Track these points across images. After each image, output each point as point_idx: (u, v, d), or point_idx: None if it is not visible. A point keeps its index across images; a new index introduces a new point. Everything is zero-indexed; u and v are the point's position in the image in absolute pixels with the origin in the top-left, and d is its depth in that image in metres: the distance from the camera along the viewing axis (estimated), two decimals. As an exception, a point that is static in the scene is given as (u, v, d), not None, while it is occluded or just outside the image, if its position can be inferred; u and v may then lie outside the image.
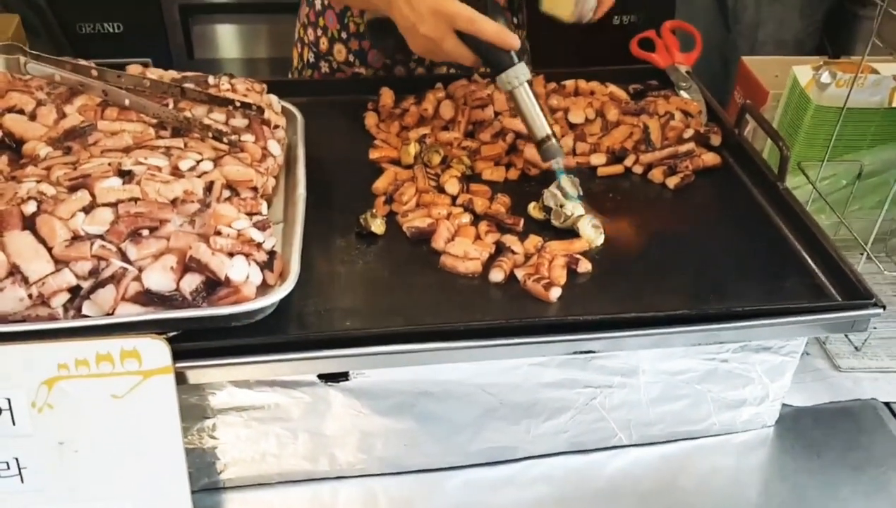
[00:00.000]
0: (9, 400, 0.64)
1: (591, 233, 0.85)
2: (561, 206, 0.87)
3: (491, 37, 0.88)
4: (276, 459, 0.78)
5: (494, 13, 0.89)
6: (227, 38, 2.38)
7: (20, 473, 0.67)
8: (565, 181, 0.90)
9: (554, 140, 0.90)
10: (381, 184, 0.93)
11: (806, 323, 0.76)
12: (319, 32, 1.25)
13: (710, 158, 0.98)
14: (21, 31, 1.44)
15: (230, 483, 0.79)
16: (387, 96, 1.08)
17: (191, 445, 0.75)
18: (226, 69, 2.50)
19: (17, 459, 0.67)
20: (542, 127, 0.91)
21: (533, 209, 0.89)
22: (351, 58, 1.24)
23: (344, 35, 1.22)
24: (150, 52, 2.31)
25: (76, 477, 0.68)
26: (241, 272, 0.67)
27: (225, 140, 0.79)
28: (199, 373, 0.69)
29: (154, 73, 0.89)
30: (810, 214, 0.88)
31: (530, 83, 0.91)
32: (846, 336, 0.99)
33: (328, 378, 0.74)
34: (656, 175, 0.97)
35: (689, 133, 1.00)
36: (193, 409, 0.74)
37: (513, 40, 0.88)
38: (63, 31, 2.27)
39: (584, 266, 0.81)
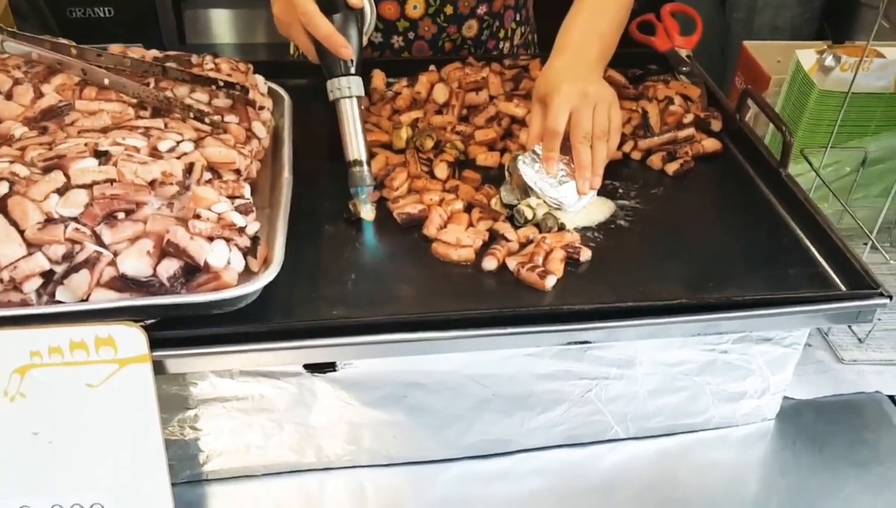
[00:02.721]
0: (-21, 389, 0.61)
1: (568, 220, 0.83)
2: (516, 206, 0.83)
3: (321, 38, 0.83)
4: (261, 451, 0.76)
5: (345, 16, 0.84)
6: (220, 23, 2.35)
7: (-7, 465, 0.65)
8: (365, 209, 0.82)
9: (365, 168, 0.83)
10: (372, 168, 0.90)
11: (809, 314, 0.73)
12: None
13: (710, 144, 0.95)
14: (9, 14, 1.41)
15: (214, 475, 0.76)
16: (378, 78, 1.05)
17: (172, 436, 0.73)
18: (220, 53, 2.48)
19: (-11, 450, 0.64)
20: (355, 149, 0.83)
21: (495, 204, 0.85)
22: None
23: None
24: (141, 37, 2.27)
25: (51, 469, 0.66)
26: (222, 257, 0.64)
27: (207, 120, 0.76)
28: (179, 363, 0.66)
29: (136, 53, 0.86)
30: (814, 202, 0.85)
31: (360, 100, 0.84)
32: (849, 327, 0.97)
33: (314, 368, 0.72)
34: (655, 161, 0.94)
35: (688, 118, 0.97)
36: (174, 399, 0.71)
37: (341, 48, 0.82)
38: (53, 15, 2.24)
39: (585, 254, 0.78)
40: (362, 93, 0.85)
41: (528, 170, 0.85)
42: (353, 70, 0.84)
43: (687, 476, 0.82)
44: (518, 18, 1.22)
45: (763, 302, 0.72)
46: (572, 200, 0.84)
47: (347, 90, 0.84)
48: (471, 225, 0.83)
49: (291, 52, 1.30)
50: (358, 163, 0.83)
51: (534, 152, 0.86)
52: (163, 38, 2.30)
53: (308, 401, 0.74)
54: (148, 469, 0.67)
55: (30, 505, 0.67)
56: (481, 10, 1.15)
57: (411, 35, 1.15)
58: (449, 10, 1.13)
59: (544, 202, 0.83)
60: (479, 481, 0.80)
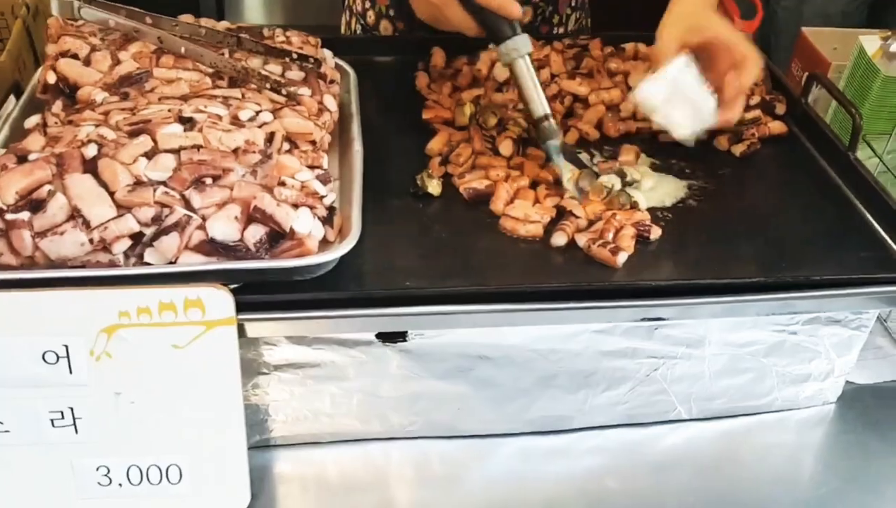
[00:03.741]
0: (66, 347, 0.62)
1: (642, 198, 0.83)
2: (597, 179, 0.84)
3: (491, 4, 0.84)
4: (329, 418, 0.77)
5: None
6: (259, 4, 2.36)
7: (74, 423, 0.66)
8: (559, 161, 0.85)
9: (552, 120, 0.85)
10: (435, 144, 0.90)
11: (883, 295, 0.73)
12: (368, 4, 1.22)
13: (776, 126, 0.95)
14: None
15: (282, 440, 0.78)
16: (438, 56, 1.05)
17: (245, 401, 0.73)
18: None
19: (71, 409, 0.66)
20: (540, 105, 0.86)
21: (567, 183, 0.85)
22: (397, 35, 1.21)
23: (392, 12, 1.19)
24: (179, 12, 2.28)
25: (131, 429, 0.67)
26: (306, 224, 0.65)
27: (283, 91, 0.77)
28: (259, 327, 0.67)
29: (208, 23, 0.86)
30: (882, 185, 0.84)
31: (531, 57, 0.86)
32: (909, 314, 0.96)
33: (386, 337, 0.72)
34: (722, 142, 0.93)
35: (754, 100, 0.96)
36: (249, 364, 0.72)
37: (514, 9, 0.84)
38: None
39: (655, 232, 0.78)
40: (531, 49, 0.87)
41: (686, 76, 0.84)
42: (518, 30, 0.86)
43: (747, 458, 0.82)
44: (573, 4, 1.22)
45: (837, 282, 0.72)
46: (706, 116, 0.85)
47: (520, 50, 0.85)
48: (537, 201, 0.83)
49: (342, 31, 1.30)
50: (546, 117, 0.85)
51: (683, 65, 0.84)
52: (201, 16, 2.31)
53: (377, 371, 0.75)
54: (226, 433, 0.68)
55: (108, 465, 0.68)
56: None
57: None
58: None
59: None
60: (539, 456, 0.80)
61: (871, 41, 1.06)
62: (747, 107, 0.95)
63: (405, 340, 0.73)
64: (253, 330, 0.67)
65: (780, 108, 0.98)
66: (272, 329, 0.68)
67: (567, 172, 0.85)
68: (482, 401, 0.78)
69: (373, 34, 1.22)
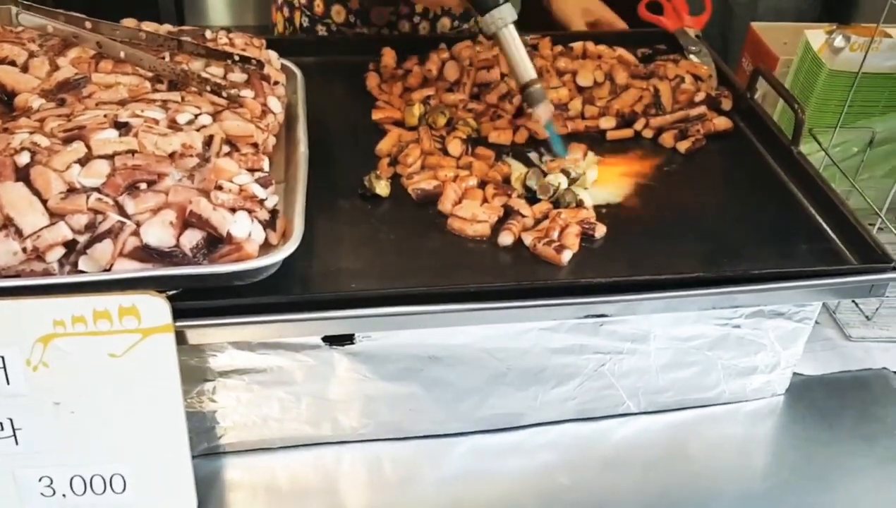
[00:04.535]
0: (2, 357, 0.61)
1: (587, 196, 0.83)
2: (544, 178, 0.84)
3: None
4: (278, 423, 0.76)
5: None
6: (219, 4, 2.33)
7: (14, 434, 0.65)
8: (550, 130, 0.88)
9: (539, 85, 0.88)
10: (384, 145, 0.90)
11: (824, 288, 0.74)
12: None
13: (721, 123, 0.96)
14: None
15: (231, 447, 0.77)
16: (388, 56, 1.05)
17: (190, 409, 0.73)
18: (219, 38, 2.45)
19: (10, 420, 0.65)
20: (526, 70, 0.88)
21: (515, 182, 0.86)
22: (351, 18, 1.20)
23: None
24: (139, 17, 2.25)
25: (72, 439, 0.66)
26: (244, 228, 0.64)
27: (224, 94, 0.76)
28: (200, 333, 0.66)
29: (149, 27, 0.86)
30: (825, 179, 0.86)
31: (516, 25, 0.88)
32: (856, 305, 0.98)
33: (333, 340, 0.72)
34: (667, 139, 0.94)
35: (700, 96, 0.97)
36: (193, 371, 0.71)
37: None
38: (49, -7, 2.21)
39: (600, 230, 0.79)
40: (515, 17, 0.87)
41: None
42: (501, 0, 0.87)
43: (697, 450, 0.83)
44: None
45: (779, 275, 0.73)
46: None
47: (505, 19, 0.86)
48: (485, 201, 0.83)
49: (280, 29, 1.28)
50: (533, 81, 0.87)
51: None
52: (161, 19, 2.28)
53: (326, 374, 0.74)
54: (169, 441, 0.67)
55: (50, 476, 0.67)
56: None
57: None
58: None
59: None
60: (493, 454, 0.81)
61: (816, 35, 1.07)
62: (692, 104, 0.97)
63: (353, 342, 0.73)
64: (194, 336, 0.66)
65: (726, 104, 0.99)
66: (214, 335, 0.67)
67: (554, 136, 0.88)
68: (433, 402, 0.78)
69: (324, 22, 1.21)
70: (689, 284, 0.72)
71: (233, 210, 0.64)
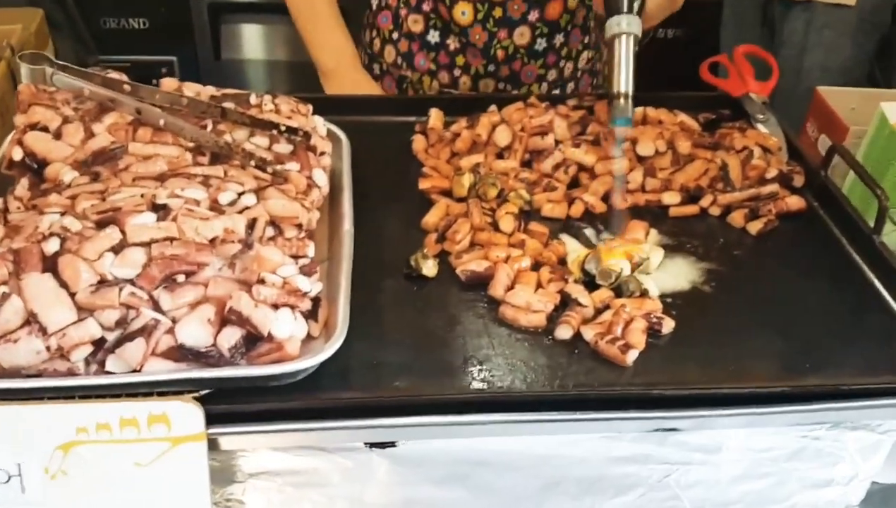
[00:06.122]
0: (19, 465, 0.56)
1: (652, 284, 0.77)
2: (603, 266, 0.78)
3: None
4: (311, 527, 0.70)
5: None
6: (257, 39, 2.31)
7: (28, 543, 0.60)
8: (618, 148, 0.88)
9: (630, 102, 0.87)
10: (431, 218, 0.85)
11: (916, 404, 0.67)
12: (375, 33, 1.21)
13: (794, 202, 0.89)
14: (45, 25, 1.37)
15: (260, 551, 0.71)
16: (436, 118, 1.00)
17: (217, 511, 0.67)
18: (255, 71, 2.42)
19: (25, 528, 0.59)
20: (623, 82, 0.87)
21: (572, 264, 0.80)
22: (399, 60, 1.17)
23: (395, 35, 1.17)
24: (176, 50, 2.23)
25: (91, 550, 0.60)
26: (287, 327, 0.59)
27: (269, 169, 0.71)
28: (233, 440, 0.61)
29: (191, 89, 0.81)
30: (911, 273, 0.79)
31: (637, 42, 0.87)
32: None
33: (374, 444, 0.66)
34: (736, 218, 0.88)
35: (772, 173, 0.91)
36: (221, 472, 0.65)
37: None
38: (87, 26, 2.20)
39: (668, 325, 0.72)
40: (639, 33, 0.87)
41: None
42: (635, 9, 0.87)
43: (765, 565, 0.75)
44: (586, 41, 1.18)
45: (867, 391, 0.66)
46: None
47: (626, 26, 0.87)
48: (540, 286, 0.77)
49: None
50: (624, 96, 0.87)
51: None
52: (197, 52, 2.26)
53: (363, 477, 0.68)
54: (195, 552, 0.61)
55: (65, 585, 0.62)
56: (532, 16, 1.11)
57: (464, 40, 1.13)
58: (498, 12, 1.10)
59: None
60: (544, 564, 0.74)
61: (892, 108, 1.00)
62: (764, 180, 0.90)
63: (394, 446, 0.67)
64: (227, 443, 0.61)
65: (799, 181, 0.92)
66: (248, 442, 0.62)
67: (620, 158, 0.87)
68: None
69: (378, 61, 1.21)
70: (770, 398, 0.65)
71: (275, 306, 0.59)
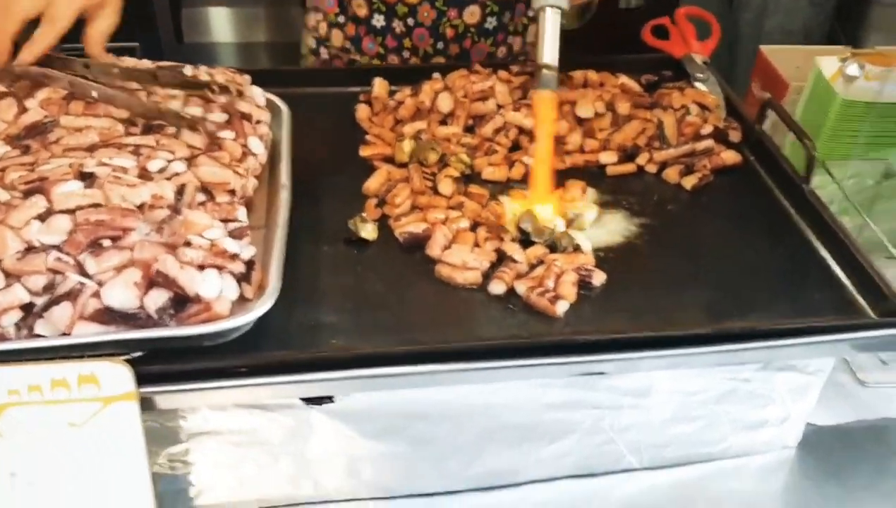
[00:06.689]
0: (-46, 428, 0.58)
1: (585, 239, 0.79)
2: (537, 223, 0.79)
3: None
4: (255, 484, 0.72)
5: None
6: (220, 22, 2.30)
7: (-30, 506, 0.61)
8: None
9: (552, 72, 0.87)
10: (372, 184, 0.86)
11: (837, 343, 0.69)
12: (320, 17, 1.20)
13: (729, 157, 0.91)
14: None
15: (205, 510, 0.73)
16: (380, 87, 1.01)
17: (161, 471, 0.69)
18: (218, 54, 2.41)
19: (-34, 491, 0.61)
20: (549, 54, 0.87)
21: (509, 223, 0.81)
22: (347, 44, 1.17)
23: (341, 19, 1.17)
24: (137, 35, 2.21)
25: (32, 511, 0.62)
26: (214, 287, 0.60)
27: (200, 128, 0.72)
28: (169, 398, 0.62)
29: (128, 63, 0.82)
30: (839, 220, 0.81)
31: (564, 15, 0.88)
32: (872, 349, 0.92)
33: (311, 400, 0.68)
34: (671, 174, 0.90)
35: (707, 129, 0.92)
36: (163, 432, 0.67)
37: None
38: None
39: (599, 277, 0.74)
40: (565, 6, 0.87)
41: None
42: None
43: (703, 506, 0.78)
44: (532, 15, 1.19)
45: (789, 331, 0.68)
46: None
47: (552, 1, 0.87)
48: (477, 245, 0.79)
49: (304, 51, 1.26)
50: (549, 67, 0.87)
51: None
52: (161, 38, 2.25)
53: (304, 433, 0.70)
54: (135, 510, 0.63)
55: (11, 547, 0.64)
56: None
57: (411, 21, 1.13)
58: None
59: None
60: (487, 512, 0.76)
61: (828, 63, 1.02)
62: (699, 137, 0.92)
63: (332, 401, 0.68)
64: (162, 402, 0.62)
65: (735, 136, 0.94)
66: (183, 401, 0.63)
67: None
68: (421, 459, 0.74)
69: (325, 45, 1.20)
70: (693, 341, 0.67)
71: (202, 267, 0.60)
